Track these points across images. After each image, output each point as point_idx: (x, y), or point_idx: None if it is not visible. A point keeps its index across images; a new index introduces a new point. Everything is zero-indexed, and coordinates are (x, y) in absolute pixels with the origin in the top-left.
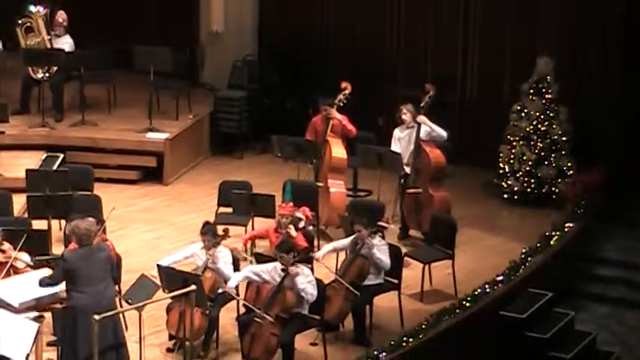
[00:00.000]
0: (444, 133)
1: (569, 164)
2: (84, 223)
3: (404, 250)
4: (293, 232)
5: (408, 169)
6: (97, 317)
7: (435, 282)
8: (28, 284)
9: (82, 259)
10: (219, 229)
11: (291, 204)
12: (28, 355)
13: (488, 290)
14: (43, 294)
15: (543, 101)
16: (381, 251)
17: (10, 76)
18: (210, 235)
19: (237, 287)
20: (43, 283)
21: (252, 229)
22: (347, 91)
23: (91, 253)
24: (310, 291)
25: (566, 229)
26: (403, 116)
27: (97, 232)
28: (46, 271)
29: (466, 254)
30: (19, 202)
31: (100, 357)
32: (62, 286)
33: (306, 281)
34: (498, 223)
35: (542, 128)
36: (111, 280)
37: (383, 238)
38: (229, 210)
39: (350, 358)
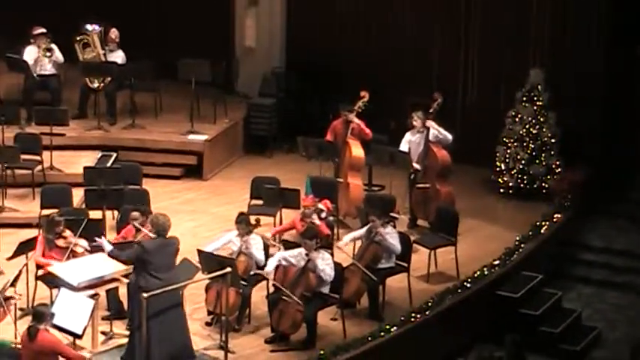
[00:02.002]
0: (449, 136)
1: (557, 163)
2: (162, 218)
3: (412, 237)
4: (317, 221)
5: (417, 166)
6: (145, 295)
7: (439, 265)
8: (85, 266)
9: (158, 248)
10: (252, 218)
11: (312, 196)
12: (85, 327)
13: (486, 273)
14: (98, 275)
15: (535, 108)
16: (392, 238)
17: (69, 85)
18: (244, 224)
19: (264, 267)
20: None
21: (280, 218)
22: (365, 99)
23: (165, 244)
24: (328, 272)
25: (554, 220)
26: (414, 122)
27: (144, 222)
28: (102, 255)
29: (467, 241)
30: (77, 195)
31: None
32: (113, 269)
33: (324, 263)
34: (495, 215)
35: (534, 131)
36: (176, 269)
37: (394, 227)
38: (260, 202)
39: (365, 331)
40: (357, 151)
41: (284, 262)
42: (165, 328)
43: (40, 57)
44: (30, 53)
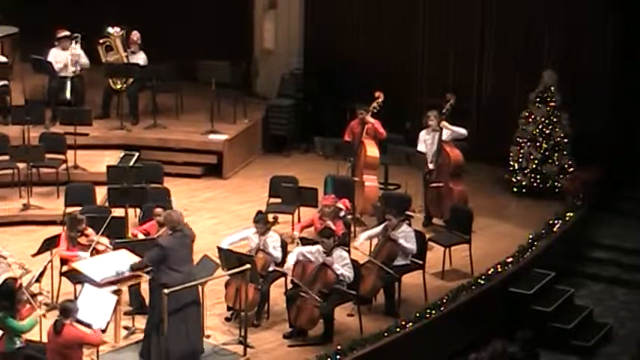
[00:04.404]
0: (464, 131)
1: (569, 162)
2: (175, 213)
3: (428, 235)
4: (332, 226)
5: (431, 166)
6: (166, 291)
7: (454, 263)
8: (108, 263)
9: (175, 243)
10: (270, 216)
11: (332, 195)
12: (108, 322)
13: (499, 270)
14: (121, 271)
15: (547, 108)
16: (407, 237)
17: (93, 86)
18: (262, 222)
19: (281, 265)
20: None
21: (298, 216)
22: (380, 100)
23: (182, 238)
24: (347, 274)
25: (566, 218)
26: (429, 122)
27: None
28: (124, 252)
29: (481, 239)
30: (100, 193)
31: (184, 331)
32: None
33: (342, 264)
34: (508, 213)
35: (547, 131)
36: (192, 262)
37: (410, 225)
38: (278, 200)
39: (381, 327)
40: (372, 150)
41: (302, 258)
42: (182, 324)
43: (66, 60)
44: (54, 55)
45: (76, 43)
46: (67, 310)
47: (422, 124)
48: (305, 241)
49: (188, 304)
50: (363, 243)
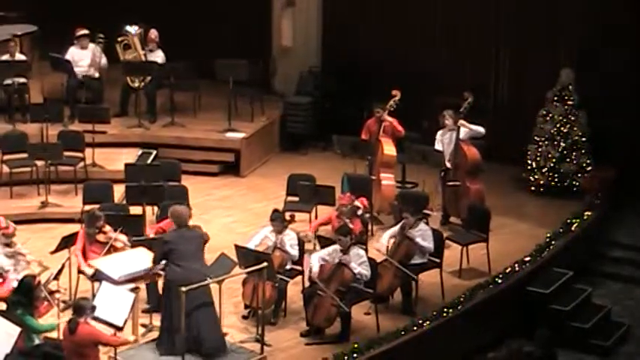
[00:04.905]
0: (481, 130)
1: (587, 161)
2: (181, 209)
3: (445, 234)
4: (350, 224)
5: (448, 164)
6: (183, 289)
7: (471, 261)
8: (126, 260)
9: (178, 238)
10: (287, 215)
11: (349, 194)
12: (126, 320)
13: (517, 269)
14: (138, 269)
15: (565, 107)
16: (425, 235)
17: (111, 84)
18: (279, 220)
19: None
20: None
21: (316, 215)
22: (397, 98)
23: (186, 233)
24: (364, 273)
25: (584, 217)
26: (446, 121)
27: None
28: (142, 250)
29: (498, 238)
30: (118, 191)
31: (194, 323)
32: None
33: (359, 262)
34: (526, 212)
35: (565, 130)
36: (204, 260)
37: (427, 223)
38: (296, 199)
39: (398, 325)
40: (388, 149)
41: (322, 262)
42: (193, 318)
43: (90, 59)
44: (73, 54)
45: (98, 44)
46: (81, 309)
47: (439, 123)
48: (322, 240)
49: (199, 297)
50: (385, 245)
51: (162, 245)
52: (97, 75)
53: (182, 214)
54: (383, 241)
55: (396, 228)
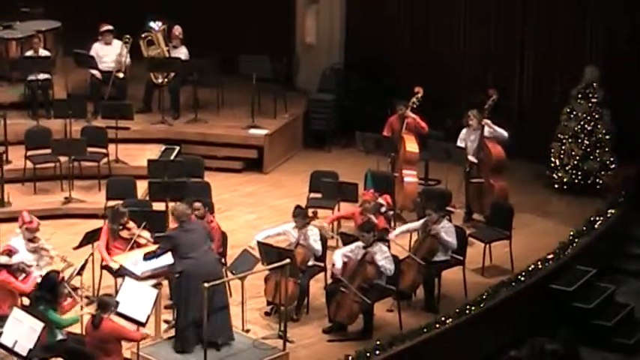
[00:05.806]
0: (505, 134)
1: (611, 159)
2: (181, 207)
3: (468, 231)
4: (374, 219)
5: (472, 159)
6: (206, 285)
7: (494, 259)
8: None
9: (181, 232)
10: (310, 211)
11: (372, 191)
12: (149, 316)
13: (540, 266)
14: (161, 265)
15: (589, 104)
16: (448, 232)
17: (134, 81)
18: (301, 217)
19: (321, 259)
20: (147, 257)
21: (339, 211)
22: (419, 95)
23: (188, 227)
24: (388, 266)
25: (608, 215)
26: (470, 121)
27: (205, 213)
28: None
29: (521, 235)
30: (141, 187)
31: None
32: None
33: (383, 257)
34: (549, 209)
35: (589, 128)
36: (210, 247)
37: (450, 220)
38: (319, 195)
39: (421, 323)
40: (411, 145)
41: (345, 259)
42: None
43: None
44: (97, 50)
45: (125, 43)
46: (105, 305)
47: (462, 122)
48: (345, 237)
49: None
50: (398, 236)
51: (166, 242)
52: (121, 75)
53: (182, 211)
54: (396, 232)
55: (415, 224)
